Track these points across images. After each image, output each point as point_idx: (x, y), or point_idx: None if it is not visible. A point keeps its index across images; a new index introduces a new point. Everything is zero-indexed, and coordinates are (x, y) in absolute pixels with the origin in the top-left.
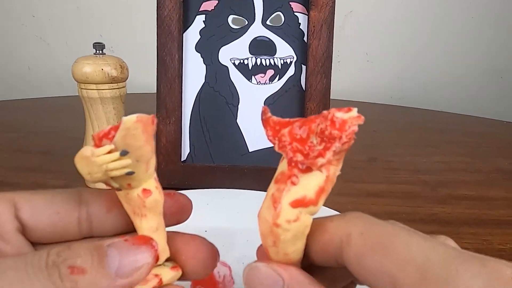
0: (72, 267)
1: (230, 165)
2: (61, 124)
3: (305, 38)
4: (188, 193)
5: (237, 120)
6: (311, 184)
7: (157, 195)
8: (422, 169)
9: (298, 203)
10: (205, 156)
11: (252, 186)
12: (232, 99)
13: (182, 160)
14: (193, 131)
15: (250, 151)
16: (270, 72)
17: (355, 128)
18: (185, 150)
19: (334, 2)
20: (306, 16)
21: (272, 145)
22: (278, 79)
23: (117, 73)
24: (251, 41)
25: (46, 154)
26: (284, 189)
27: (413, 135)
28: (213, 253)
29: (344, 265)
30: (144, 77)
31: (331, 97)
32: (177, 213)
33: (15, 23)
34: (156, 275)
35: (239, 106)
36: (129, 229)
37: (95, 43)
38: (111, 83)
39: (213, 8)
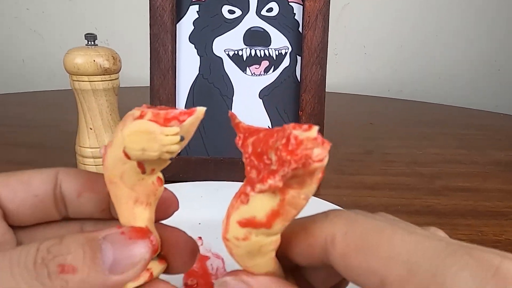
0: (62, 265)
1: (225, 158)
2: (53, 118)
3: (300, 29)
4: (182, 185)
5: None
6: (261, 205)
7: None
8: (418, 161)
9: (246, 224)
10: (199, 149)
11: None
12: (226, 90)
13: None
14: None
15: None
16: (265, 63)
17: (309, 153)
18: None
19: None
20: (301, 6)
21: None
22: (273, 70)
23: (109, 65)
24: (245, 32)
25: (38, 147)
26: (235, 205)
27: (409, 128)
28: (194, 248)
29: (330, 266)
30: (140, 71)
31: (328, 90)
32: (164, 208)
33: (8, 16)
34: (148, 269)
35: (233, 98)
36: (100, 216)
37: (86, 34)
38: (104, 74)
39: None
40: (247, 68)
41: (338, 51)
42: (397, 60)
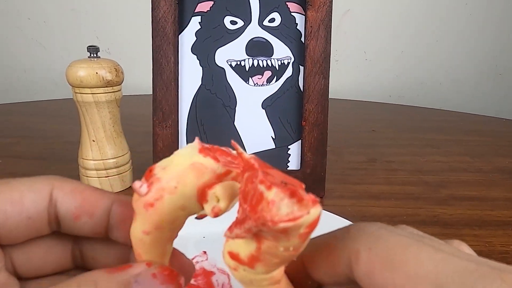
0: None
1: None
2: (56, 128)
3: (302, 39)
4: None
5: (235, 123)
6: (243, 247)
7: None
8: (423, 170)
9: (233, 257)
10: None
11: None
12: (229, 101)
13: None
14: (190, 134)
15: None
16: (268, 74)
17: (265, 215)
18: None
19: (331, 2)
20: (303, 16)
21: (270, 147)
22: (276, 81)
23: (112, 77)
24: (247, 42)
25: (40, 159)
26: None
27: (412, 134)
28: (192, 271)
29: (356, 282)
30: (141, 79)
31: (329, 97)
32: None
33: (10, 26)
34: None
35: (236, 108)
36: (94, 236)
37: (89, 46)
38: (106, 86)
39: (208, 9)
40: (250, 78)
41: (338, 57)
42: (398, 66)
